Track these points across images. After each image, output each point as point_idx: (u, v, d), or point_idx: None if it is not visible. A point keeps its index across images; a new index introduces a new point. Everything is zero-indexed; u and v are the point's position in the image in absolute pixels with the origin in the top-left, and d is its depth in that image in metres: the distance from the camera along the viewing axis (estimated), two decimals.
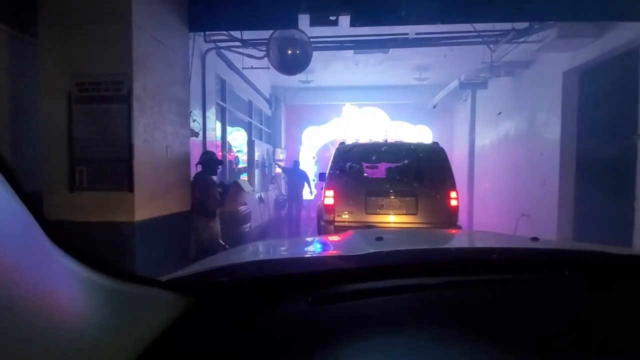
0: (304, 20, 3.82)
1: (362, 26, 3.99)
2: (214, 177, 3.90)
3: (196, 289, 0.62)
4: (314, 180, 8.14)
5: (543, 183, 5.15)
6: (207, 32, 4.57)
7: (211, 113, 5.28)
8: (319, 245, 1.23)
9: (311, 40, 4.39)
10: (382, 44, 5.25)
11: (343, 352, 0.49)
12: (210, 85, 5.22)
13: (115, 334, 0.44)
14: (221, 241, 3.69)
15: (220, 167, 4.06)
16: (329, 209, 3.95)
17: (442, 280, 0.66)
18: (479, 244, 1.23)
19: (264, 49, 4.54)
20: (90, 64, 2.74)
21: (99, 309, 0.42)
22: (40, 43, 2.77)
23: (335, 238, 1.37)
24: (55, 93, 2.74)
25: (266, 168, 8.27)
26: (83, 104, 2.76)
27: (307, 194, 8.20)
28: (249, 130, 7.80)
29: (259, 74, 7.03)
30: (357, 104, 9.70)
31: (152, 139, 3.00)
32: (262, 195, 7.41)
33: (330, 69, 7.71)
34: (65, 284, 0.39)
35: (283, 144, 9.94)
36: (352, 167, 4.15)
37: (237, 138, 7.53)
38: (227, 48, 5.23)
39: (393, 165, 4.38)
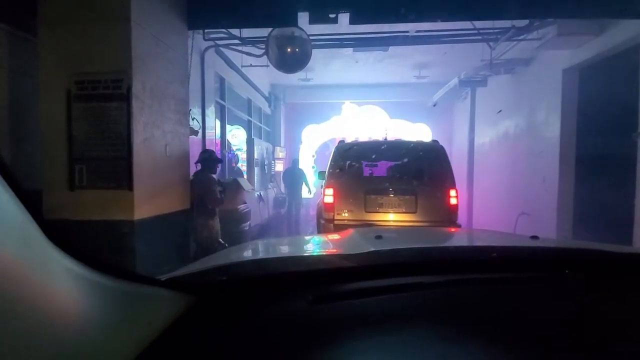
0: (303, 18, 3.81)
1: (361, 24, 3.98)
2: (214, 176, 3.89)
3: (196, 287, 0.62)
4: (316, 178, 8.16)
5: (542, 181, 5.15)
6: (206, 30, 4.56)
7: (210, 111, 5.27)
8: (318, 244, 1.23)
9: (311, 38, 4.38)
10: (381, 42, 5.24)
11: (343, 350, 0.49)
12: (210, 83, 5.21)
13: (116, 333, 0.44)
14: (221, 240, 3.69)
15: (219, 165, 4.05)
16: (328, 207, 3.95)
17: (442, 279, 0.66)
18: (479, 243, 1.23)
19: (263, 46, 4.52)
20: (89, 62, 2.73)
21: (99, 308, 0.42)
22: (39, 41, 2.76)
23: (335, 237, 1.37)
24: (55, 91, 2.73)
25: (265, 166, 8.27)
26: (82, 102, 2.76)
27: (306, 192, 8.20)
28: (248, 129, 7.79)
29: (258, 72, 7.01)
30: (357, 102, 9.69)
31: (151, 137, 3.00)
32: (261, 193, 7.42)
33: (329, 67, 7.69)
34: (64, 283, 0.39)
35: (282, 143, 9.93)
36: (351, 165, 4.15)
37: (237, 136, 7.52)
38: (226, 46, 5.22)
39: (393, 163, 4.38)
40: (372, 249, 0.81)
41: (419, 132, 9.58)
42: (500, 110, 6.38)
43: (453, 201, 3.93)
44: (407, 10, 3.63)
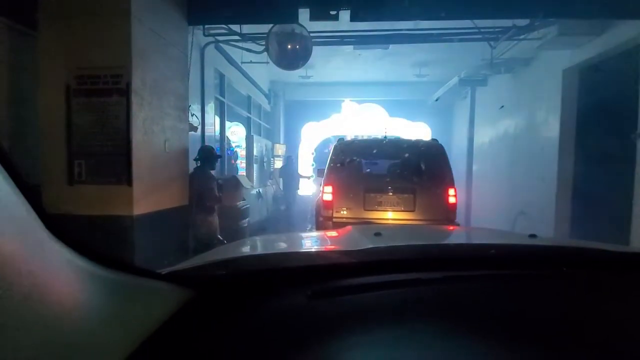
0: (304, 14, 3.79)
1: (362, 21, 3.97)
2: (213, 172, 3.89)
3: (196, 281, 0.62)
4: (311, 176, 8.17)
5: (541, 181, 5.17)
6: (206, 26, 4.54)
7: (210, 107, 5.26)
8: (317, 240, 1.23)
9: (311, 35, 4.36)
10: (382, 40, 5.22)
11: (342, 344, 0.49)
12: (209, 79, 5.19)
13: (115, 325, 0.44)
14: (219, 236, 3.69)
15: (218, 161, 4.04)
16: (327, 205, 3.95)
17: (440, 275, 0.67)
18: (477, 240, 1.24)
19: (264, 43, 4.51)
20: (89, 57, 2.72)
21: (99, 300, 0.42)
22: (39, 35, 2.74)
23: (333, 234, 1.38)
24: (54, 86, 2.72)
25: (265, 164, 8.27)
26: (82, 97, 2.75)
27: (304, 189, 8.33)
28: (247, 126, 7.78)
29: (258, 69, 7.00)
30: (357, 100, 9.68)
31: (150, 132, 2.99)
32: (260, 190, 7.42)
33: (330, 65, 7.68)
34: (64, 275, 0.39)
35: (282, 140, 9.92)
36: (350, 163, 4.15)
37: (236, 133, 7.51)
38: (226, 42, 5.20)
39: (392, 161, 4.38)
40: (371, 246, 0.81)
41: (418, 130, 9.58)
42: (503, 106, 6.36)
43: (452, 200, 3.93)
44: (408, 8, 3.62)
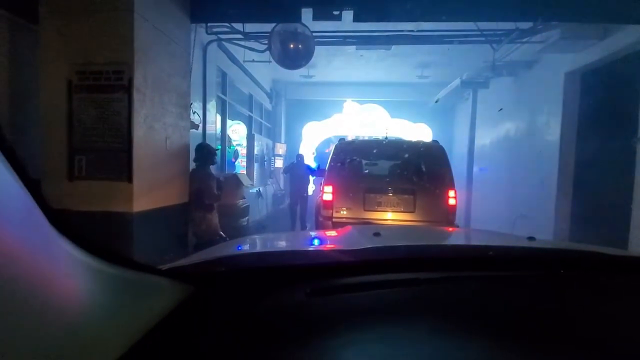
0: (307, 14, 3.80)
1: (365, 21, 3.97)
2: (213, 168, 3.89)
3: (195, 277, 0.62)
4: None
5: (541, 184, 5.17)
6: (209, 24, 4.54)
7: (211, 105, 5.26)
8: (317, 240, 1.24)
9: (314, 34, 4.37)
10: (384, 41, 5.23)
11: (339, 341, 0.49)
12: (211, 77, 5.20)
13: (116, 319, 0.44)
14: (221, 232, 3.69)
15: (217, 155, 4.03)
16: (327, 204, 3.95)
17: (438, 275, 0.67)
18: (476, 242, 1.24)
19: (266, 42, 4.51)
20: (91, 52, 2.72)
21: (101, 295, 0.42)
22: (41, 30, 2.74)
23: (333, 233, 1.38)
24: (56, 81, 2.72)
25: (265, 162, 8.27)
26: (83, 93, 2.75)
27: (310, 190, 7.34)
28: (249, 124, 7.79)
29: (260, 68, 7.00)
30: (358, 100, 9.69)
31: (151, 129, 2.99)
32: (260, 189, 7.42)
33: (332, 64, 7.68)
34: (67, 269, 0.39)
35: (283, 139, 9.93)
36: (351, 163, 4.15)
37: (237, 131, 7.52)
38: (229, 40, 5.20)
39: (392, 162, 4.38)
40: (370, 246, 0.81)
41: (419, 132, 9.58)
42: (502, 109, 6.37)
43: (452, 201, 3.94)
44: (411, 9, 3.62)
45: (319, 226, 4.15)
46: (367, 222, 3.78)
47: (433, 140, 4.70)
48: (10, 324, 0.33)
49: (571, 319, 0.58)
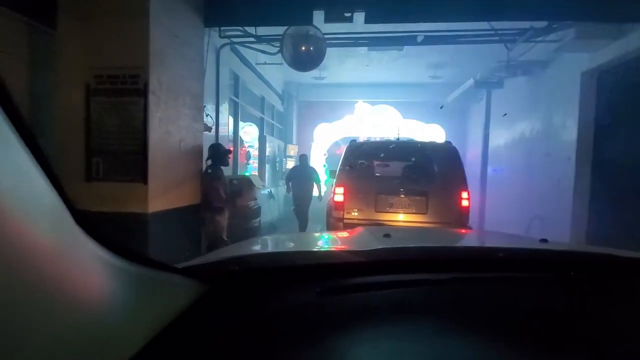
0: (318, 16, 3.82)
1: (377, 23, 3.97)
2: (224, 169, 3.93)
3: (210, 276, 0.64)
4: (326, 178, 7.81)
5: (557, 185, 5.06)
6: (222, 28, 4.61)
7: (224, 108, 5.33)
8: (328, 240, 1.25)
9: (325, 36, 4.39)
10: (396, 42, 5.21)
11: (348, 338, 0.50)
12: (224, 80, 5.27)
13: (135, 315, 0.46)
14: (224, 237, 3.72)
15: (230, 156, 4.07)
16: (338, 206, 3.96)
17: (448, 276, 0.67)
18: (487, 243, 1.23)
19: (278, 45, 4.55)
20: (108, 56, 2.80)
21: (122, 291, 0.44)
22: (59, 35, 2.82)
23: (343, 234, 1.39)
24: (74, 85, 2.80)
25: (277, 164, 8.32)
26: (101, 97, 2.83)
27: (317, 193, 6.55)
28: (260, 126, 7.85)
29: (272, 70, 7.06)
30: (370, 101, 9.66)
31: (166, 132, 3.05)
32: (272, 190, 7.47)
33: (343, 66, 7.69)
34: (91, 266, 0.41)
35: (295, 140, 9.97)
36: (362, 164, 4.15)
37: (249, 133, 7.59)
38: (242, 44, 5.27)
39: (404, 163, 4.36)
40: (380, 247, 0.82)
41: (432, 132, 9.49)
42: (505, 114, 6.32)
43: (465, 203, 3.89)
44: (423, 10, 3.60)
45: (330, 227, 4.15)
46: (378, 224, 3.77)
47: (446, 141, 4.65)
48: (38, 318, 0.35)
49: (581, 322, 0.57)
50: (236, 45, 5.37)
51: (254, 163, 7.43)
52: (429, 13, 3.66)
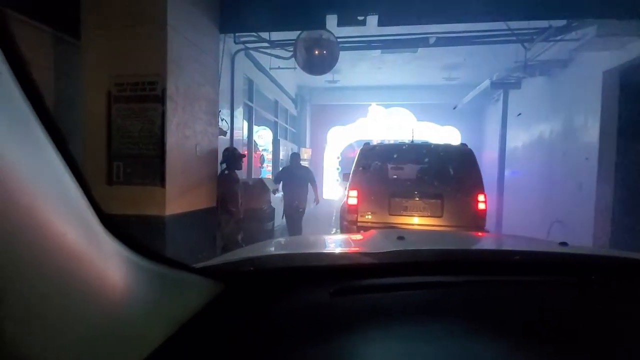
0: (331, 20, 3.84)
1: (390, 25, 3.96)
2: (239, 172, 3.99)
3: (225, 276, 0.66)
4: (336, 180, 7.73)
5: (579, 188, 4.90)
6: (236, 34, 4.69)
7: (239, 112, 5.41)
8: (341, 242, 1.25)
9: (338, 40, 4.41)
10: (410, 44, 5.18)
11: (360, 339, 0.51)
12: (239, 85, 5.35)
13: (154, 312, 0.48)
14: (239, 239, 3.78)
15: (244, 159, 4.13)
16: (352, 209, 3.95)
17: (461, 279, 0.67)
18: (503, 246, 1.21)
19: (292, 49, 4.60)
20: (128, 65, 2.90)
21: (143, 289, 0.46)
22: (82, 45, 2.94)
23: (357, 236, 1.39)
24: (97, 92, 2.91)
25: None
26: (121, 103, 2.92)
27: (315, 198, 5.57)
28: (274, 130, 7.93)
29: (286, 74, 7.13)
30: (384, 104, 9.62)
31: (183, 137, 3.13)
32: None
33: (356, 69, 7.69)
34: (114, 265, 0.43)
35: (308, 144, 10.02)
36: (376, 167, 4.13)
37: (263, 137, 7.67)
38: (256, 49, 5.35)
39: (418, 166, 4.32)
40: (393, 249, 0.82)
41: (447, 135, 9.37)
42: (520, 114, 6.15)
43: (481, 206, 3.82)
44: (437, 12, 3.58)
45: (343, 230, 4.15)
46: (392, 227, 3.74)
47: (461, 143, 4.59)
48: (65, 313, 0.37)
49: (602, 326, 0.56)
50: (250, 51, 5.45)
51: (267, 167, 7.49)
52: (443, 14, 3.62)
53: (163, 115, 2.87)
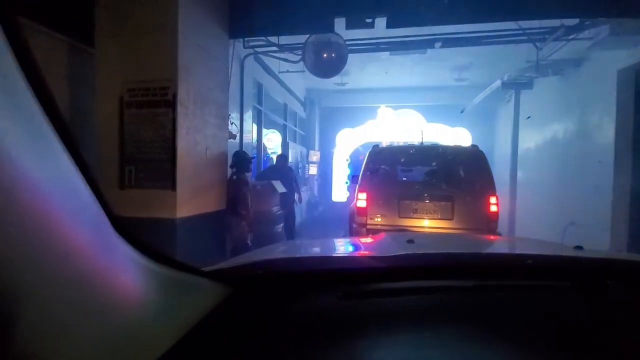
0: (340, 23, 3.85)
1: (398, 27, 3.94)
2: (248, 175, 4.02)
3: (235, 279, 0.67)
4: (346, 183, 7.69)
5: (594, 189, 4.79)
6: (246, 39, 4.74)
7: (248, 116, 5.46)
8: (350, 246, 1.25)
9: (347, 42, 4.41)
10: (419, 45, 5.15)
11: (368, 343, 0.51)
12: (248, 89, 5.40)
13: (165, 315, 0.49)
14: (249, 242, 3.80)
15: (252, 163, 4.17)
16: (361, 211, 3.93)
17: (472, 283, 0.66)
18: (515, 250, 1.19)
19: (300, 53, 4.63)
20: (140, 71, 2.95)
21: (153, 292, 0.47)
22: (96, 52, 3.02)
23: (367, 240, 1.38)
24: (110, 98, 2.97)
25: (299, 170, 8.39)
26: (133, 109, 2.98)
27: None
28: (283, 132, 7.97)
29: (295, 77, 7.16)
30: (393, 105, 9.58)
31: (193, 141, 3.17)
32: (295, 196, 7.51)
33: (365, 71, 7.68)
34: (126, 268, 0.44)
35: (317, 146, 10.03)
36: (385, 169, 4.11)
37: (272, 140, 7.71)
38: (265, 53, 5.39)
39: (428, 168, 4.28)
40: (402, 252, 0.81)
41: (458, 136, 9.27)
42: (529, 117, 6.05)
43: (493, 208, 3.76)
44: (446, 12, 3.55)
45: (352, 233, 4.13)
46: (402, 230, 3.71)
47: (472, 145, 4.53)
48: (76, 314, 0.38)
49: (620, 334, 0.54)
50: (259, 55, 5.50)
51: None
52: (452, 15, 3.59)
53: (174, 119, 2.92)
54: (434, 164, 4.18)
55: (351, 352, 0.50)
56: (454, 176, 3.95)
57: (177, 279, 0.53)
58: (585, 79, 5.22)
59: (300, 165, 8.51)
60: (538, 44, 4.77)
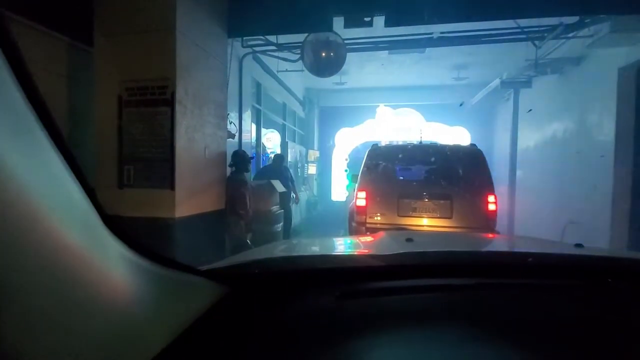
0: (338, 22, 3.84)
1: (397, 26, 3.94)
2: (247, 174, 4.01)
3: (231, 279, 0.66)
4: (348, 185, 7.69)
5: (594, 187, 4.79)
6: (244, 38, 4.72)
7: (247, 115, 5.45)
8: (349, 244, 1.24)
9: (345, 41, 4.40)
10: (418, 44, 5.14)
11: (366, 343, 0.50)
12: (247, 88, 5.39)
13: (159, 315, 0.48)
14: (248, 241, 3.80)
15: (251, 162, 4.16)
16: (360, 210, 3.93)
17: (471, 282, 0.65)
18: (515, 248, 1.18)
19: (299, 52, 4.61)
20: (138, 70, 2.94)
21: (147, 292, 0.46)
22: (95, 52, 3.01)
23: (365, 238, 1.38)
24: (108, 97, 2.96)
25: (299, 169, 8.38)
26: (132, 108, 2.97)
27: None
28: (282, 132, 7.96)
29: (293, 77, 7.15)
30: (392, 105, 9.57)
31: (192, 140, 3.16)
32: (294, 196, 7.50)
33: (364, 70, 7.67)
34: (118, 267, 0.43)
35: (316, 146, 10.02)
36: (384, 168, 4.10)
37: (271, 139, 7.69)
38: (263, 52, 5.38)
39: (427, 167, 4.28)
40: (401, 251, 0.81)
41: (457, 135, 9.27)
42: (530, 110, 6.03)
43: (491, 207, 3.76)
44: (444, 11, 3.54)
45: (352, 232, 4.13)
46: (401, 228, 3.70)
47: (470, 144, 4.53)
48: (68, 315, 0.37)
49: (621, 332, 0.54)
50: (258, 54, 5.49)
51: None
52: (450, 14, 3.59)
53: (172, 118, 2.91)
54: (432, 162, 4.18)
55: (350, 351, 0.49)
56: (453, 175, 3.95)
57: (172, 278, 0.52)
58: (585, 77, 5.22)
59: (299, 165, 8.50)
60: (537, 42, 4.76)
